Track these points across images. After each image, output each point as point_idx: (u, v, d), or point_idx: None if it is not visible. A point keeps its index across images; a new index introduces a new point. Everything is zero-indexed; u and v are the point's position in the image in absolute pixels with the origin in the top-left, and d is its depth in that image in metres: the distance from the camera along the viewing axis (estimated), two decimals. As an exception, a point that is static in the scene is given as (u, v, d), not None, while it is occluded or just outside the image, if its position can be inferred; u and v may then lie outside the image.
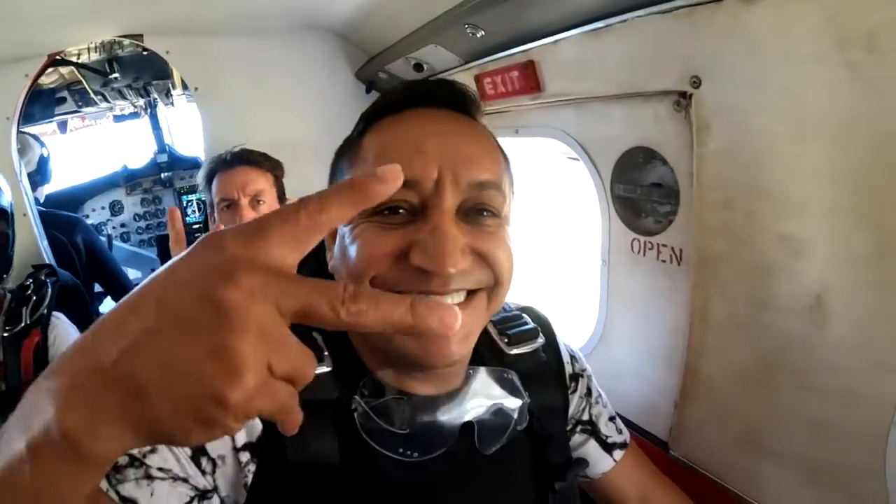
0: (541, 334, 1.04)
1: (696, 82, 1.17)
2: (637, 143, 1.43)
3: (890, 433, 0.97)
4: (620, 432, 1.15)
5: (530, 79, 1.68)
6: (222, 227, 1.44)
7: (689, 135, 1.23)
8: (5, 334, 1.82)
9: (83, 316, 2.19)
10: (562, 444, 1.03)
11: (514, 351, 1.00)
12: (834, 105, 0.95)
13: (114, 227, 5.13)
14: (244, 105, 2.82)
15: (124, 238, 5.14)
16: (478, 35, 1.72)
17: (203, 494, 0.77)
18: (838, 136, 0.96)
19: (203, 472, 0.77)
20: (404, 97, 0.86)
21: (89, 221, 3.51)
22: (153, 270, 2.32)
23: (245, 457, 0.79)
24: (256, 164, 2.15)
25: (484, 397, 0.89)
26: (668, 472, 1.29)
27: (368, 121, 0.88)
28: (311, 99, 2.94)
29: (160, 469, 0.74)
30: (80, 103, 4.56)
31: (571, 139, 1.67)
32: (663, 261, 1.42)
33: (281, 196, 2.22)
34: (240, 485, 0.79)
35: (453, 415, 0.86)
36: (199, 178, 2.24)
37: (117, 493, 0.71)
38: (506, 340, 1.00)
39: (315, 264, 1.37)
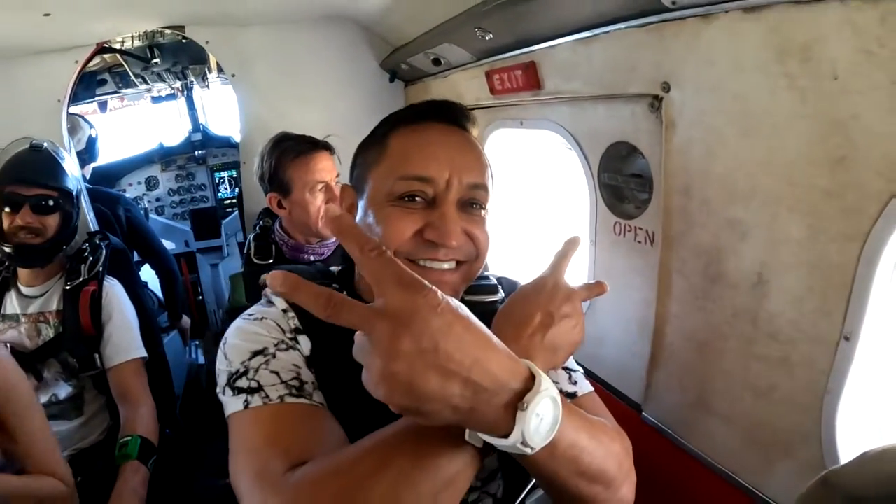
0: (501, 292, 1.28)
1: (666, 87, 1.36)
2: (620, 137, 1.62)
3: (824, 400, 1.14)
4: (574, 384, 1.31)
5: (531, 77, 1.87)
6: (322, 204, 1.96)
7: (661, 132, 1.42)
8: (67, 287, 2.15)
9: (127, 276, 2.44)
10: None
11: (470, 297, 1.25)
12: (773, 108, 1.13)
13: (149, 201, 5.38)
14: (277, 90, 3.06)
15: (159, 211, 5.40)
16: (486, 38, 1.92)
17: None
18: (776, 135, 1.14)
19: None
20: (423, 111, 1.12)
21: (109, 190, 3.78)
22: (186, 243, 2.61)
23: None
24: (329, 148, 2.36)
25: None
26: (640, 432, 1.52)
27: (392, 125, 1.12)
28: (339, 85, 3.16)
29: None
30: (120, 85, 4.83)
31: (566, 132, 1.87)
32: (639, 241, 1.61)
33: None
34: None
35: None
36: (266, 152, 2.36)
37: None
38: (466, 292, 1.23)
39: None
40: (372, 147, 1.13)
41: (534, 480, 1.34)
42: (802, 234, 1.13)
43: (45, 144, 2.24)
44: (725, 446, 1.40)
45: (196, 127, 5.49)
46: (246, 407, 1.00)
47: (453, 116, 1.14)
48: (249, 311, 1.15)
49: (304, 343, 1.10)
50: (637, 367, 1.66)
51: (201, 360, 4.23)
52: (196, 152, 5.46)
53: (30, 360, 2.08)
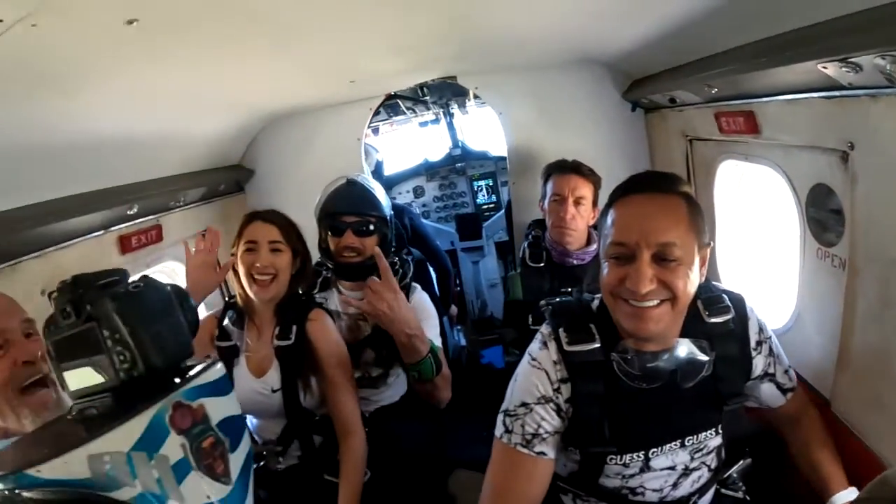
0: (732, 310, 1.66)
1: (851, 146, 1.71)
2: (821, 180, 1.94)
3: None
4: (791, 380, 1.78)
5: (751, 124, 2.23)
6: (547, 216, 2.75)
7: (849, 180, 1.75)
8: None
9: (426, 282, 3.01)
10: (732, 383, 1.65)
11: (711, 320, 1.64)
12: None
13: (417, 207, 6.29)
14: (537, 123, 3.73)
15: (425, 216, 6.26)
16: (712, 91, 2.33)
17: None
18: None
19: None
20: (630, 187, 1.54)
21: (395, 202, 4.60)
22: (452, 243, 4.47)
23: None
24: (583, 174, 2.82)
25: (685, 354, 1.53)
26: (829, 423, 1.86)
27: (612, 200, 1.56)
28: (587, 116, 3.72)
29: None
30: (391, 114, 5.86)
31: (781, 170, 2.20)
32: (834, 266, 1.92)
33: (595, 202, 2.87)
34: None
35: (666, 364, 1.53)
36: (542, 172, 2.96)
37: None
38: (707, 313, 1.64)
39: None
40: (603, 215, 1.59)
41: (742, 461, 1.80)
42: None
43: (359, 179, 2.70)
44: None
45: (455, 143, 6.25)
46: (500, 436, 1.63)
47: (653, 185, 1.52)
48: (533, 351, 1.66)
49: (566, 390, 1.59)
50: (828, 368, 1.97)
51: (462, 342, 4.92)
52: (456, 165, 6.23)
53: (350, 349, 2.52)
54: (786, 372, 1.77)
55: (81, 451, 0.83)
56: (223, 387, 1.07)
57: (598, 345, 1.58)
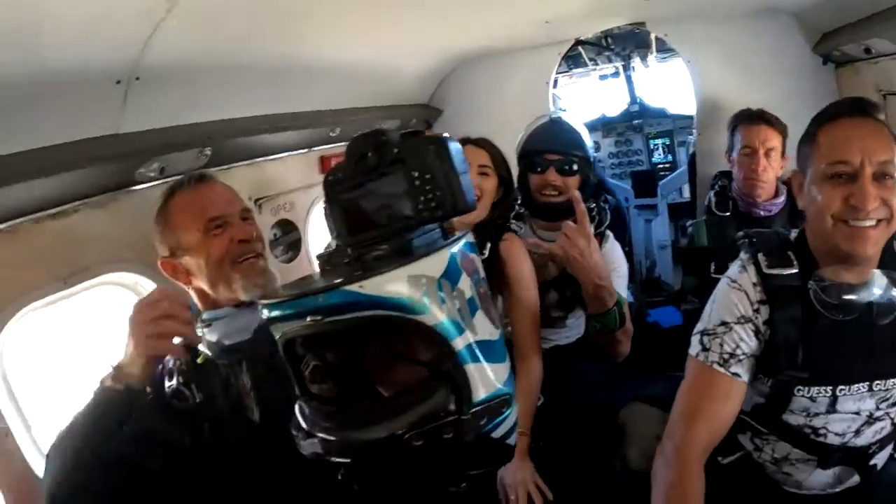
0: None
1: None
2: None
3: None
4: None
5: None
6: (746, 164, 2.74)
7: None
8: None
9: (620, 230, 3.01)
10: None
11: None
12: None
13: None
14: (723, 73, 3.70)
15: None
16: (913, 33, 2.27)
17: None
18: None
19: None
20: (838, 111, 1.56)
21: None
22: (626, 199, 4.26)
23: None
24: (772, 123, 2.82)
25: (882, 287, 1.52)
26: None
27: (818, 125, 1.57)
28: (773, 67, 3.62)
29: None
30: (571, 66, 5.93)
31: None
32: None
33: (784, 152, 2.84)
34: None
35: (861, 296, 1.52)
36: (728, 123, 3.00)
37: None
38: None
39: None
40: (806, 144, 1.60)
41: None
42: None
43: (562, 116, 2.71)
44: None
45: (633, 100, 6.15)
46: (696, 355, 1.67)
47: (861, 109, 1.54)
48: (732, 274, 1.69)
49: (764, 311, 1.61)
50: None
51: (630, 299, 4.96)
52: (633, 121, 6.13)
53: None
54: None
55: (402, 272, 0.91)
56: (477, 251, 1.14)
57: (796, 270, 1.60)
